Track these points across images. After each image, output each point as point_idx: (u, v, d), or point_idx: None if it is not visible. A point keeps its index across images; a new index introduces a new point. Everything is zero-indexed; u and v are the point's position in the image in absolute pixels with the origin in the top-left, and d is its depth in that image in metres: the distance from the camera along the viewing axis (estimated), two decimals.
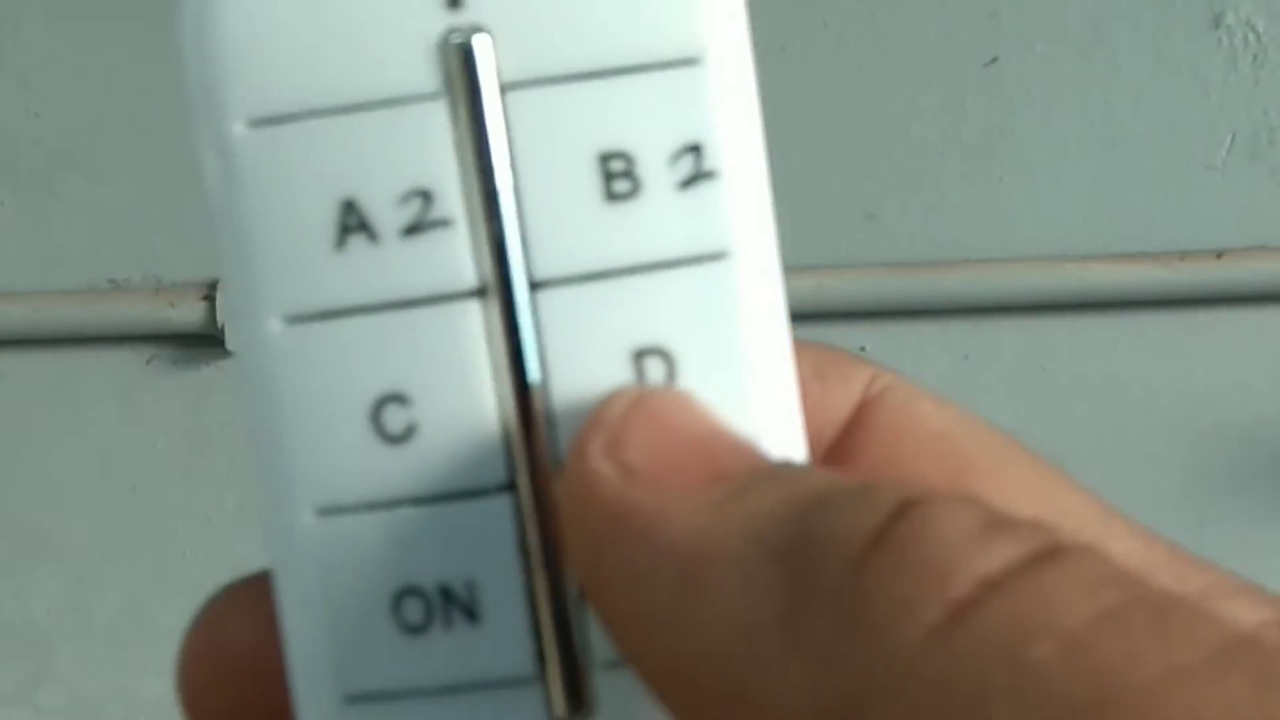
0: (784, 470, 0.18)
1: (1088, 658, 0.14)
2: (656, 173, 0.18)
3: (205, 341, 0.87)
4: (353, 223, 0.18)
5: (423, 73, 0.18)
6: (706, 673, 0.16)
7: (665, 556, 0.16)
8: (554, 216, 0.18)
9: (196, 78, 0.18)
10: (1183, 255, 0.83)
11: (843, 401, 0.22)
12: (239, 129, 0.18)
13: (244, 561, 0.84)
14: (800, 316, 0.83)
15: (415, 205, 0.18)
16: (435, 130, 0.18)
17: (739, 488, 0.17)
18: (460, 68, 0.17)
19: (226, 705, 0.20)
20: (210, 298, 0.86)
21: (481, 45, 0.18)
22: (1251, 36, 0.87)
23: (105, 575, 0.88)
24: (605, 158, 0.18)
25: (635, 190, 0.18)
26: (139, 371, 0.88)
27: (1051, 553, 0.15)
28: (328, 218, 0.18)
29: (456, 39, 0.17)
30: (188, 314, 0.86)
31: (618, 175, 0.18)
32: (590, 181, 0.18)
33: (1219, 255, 0.83)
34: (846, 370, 0.22)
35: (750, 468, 0.17)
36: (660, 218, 0.18)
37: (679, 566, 0.16)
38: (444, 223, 0.18)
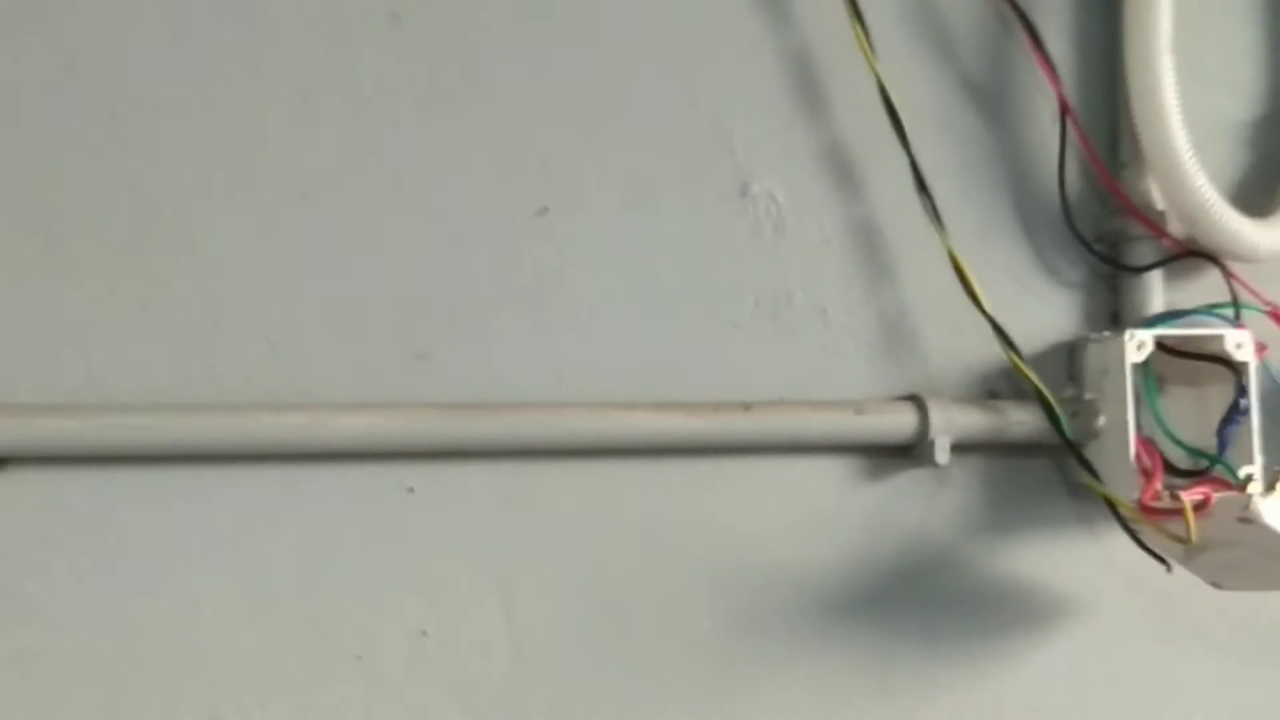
0: None
1: None
2: None
3: None
4: None
5: None
6: None
7: None
8: None
9: None
10: (716, 406, 0.87)
11: None
12: None
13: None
14: (349, 456, 0.79)
15: None
16: None
17: None
18: None
19: None
20: None
21: None
22: (773, 206, 0.93)
23: None
24: None
25: None
26: None
27: None
28: None
29: None
30: None
31: None
32: None
33: (746, 408, 0.88)
34: None
35: None
36: None
37: None
38: None
